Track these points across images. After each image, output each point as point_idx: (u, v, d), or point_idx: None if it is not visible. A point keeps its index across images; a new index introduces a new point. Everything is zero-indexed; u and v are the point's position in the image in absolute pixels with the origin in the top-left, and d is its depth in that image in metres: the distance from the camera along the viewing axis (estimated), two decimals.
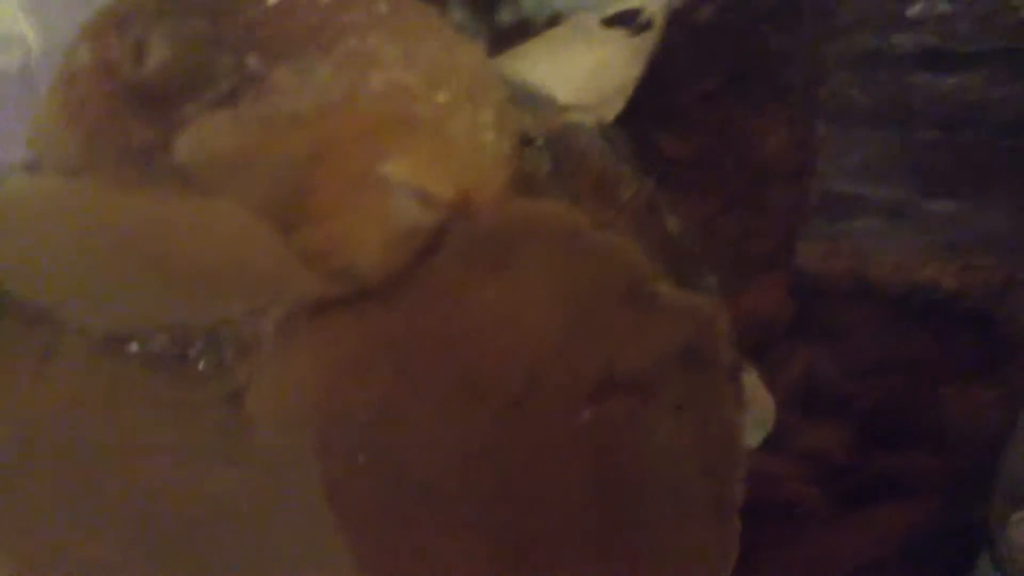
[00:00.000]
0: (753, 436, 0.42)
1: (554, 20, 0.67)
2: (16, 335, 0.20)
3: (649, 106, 0.59)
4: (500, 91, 0.19)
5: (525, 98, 0.25)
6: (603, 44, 0.61)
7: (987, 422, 0.42)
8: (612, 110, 0.60)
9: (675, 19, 0.64)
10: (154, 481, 0.21)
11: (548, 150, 0.22)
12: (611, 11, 0.64)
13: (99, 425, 0.21)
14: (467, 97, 0.19)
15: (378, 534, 0.22)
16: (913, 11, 0.50)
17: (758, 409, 0.44)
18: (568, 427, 0.21)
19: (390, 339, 0.20)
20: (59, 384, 0.20)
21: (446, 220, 0.19)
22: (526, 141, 0.21)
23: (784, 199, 0.53)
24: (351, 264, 0.19)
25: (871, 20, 0.52)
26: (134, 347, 0.20)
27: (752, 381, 0.45)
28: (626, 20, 0.64)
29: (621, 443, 0.22)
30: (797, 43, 0.62)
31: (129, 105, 0.17)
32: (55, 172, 0.18)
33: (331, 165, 0.18)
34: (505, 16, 0.67)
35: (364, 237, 0.19)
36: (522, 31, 0.64)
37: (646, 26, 0.63)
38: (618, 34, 0.62)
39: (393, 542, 0.22)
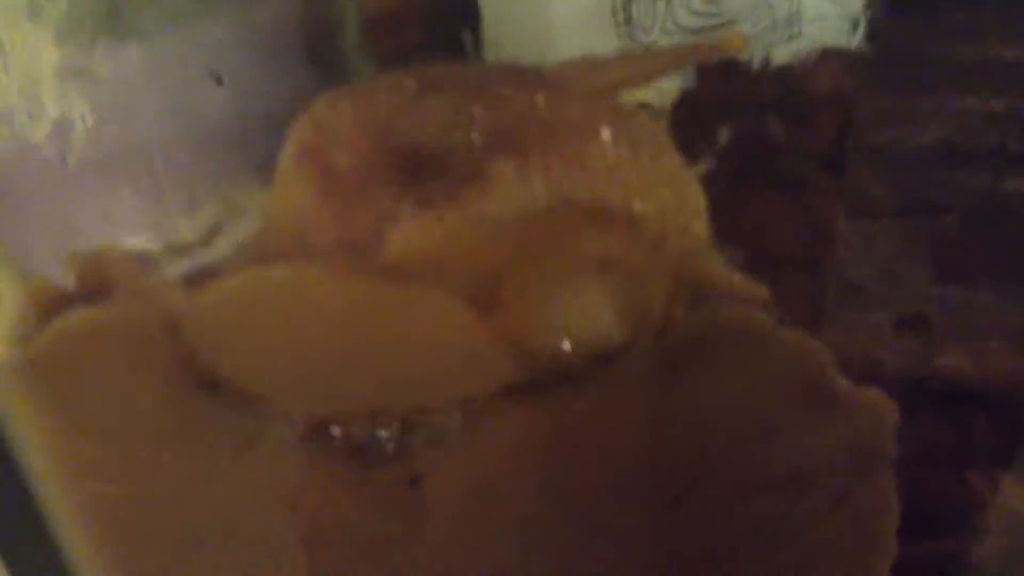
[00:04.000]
0: None
1: None
2: (222, 420, 0.20)
3: None
4: (698, 203, 0.21)
5: None
6: None
7: (1012, 506, 0.43)
8: None
9: (680, 106, 0.67)
10: (334, 563, 0.22)
11: None
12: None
13: (287, 513, 0.22)
14: (665, 211, 0.20)
15: None
16: (927, 107, 0.52)
17: None
18: (727, 521, 0.23)
19: (570, 428, 0.22)
20: (256, 471, 0.21)
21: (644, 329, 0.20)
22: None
23: (801, 287, 0.54)
24: (542, 349, 0.21)
25: (888, 115, 0.55)
26: (336, 431, 0.21)
27: None
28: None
29: (776, 535, 0.23)
30: (806, 134, 0.64)
31: (378, 173, 0.19)
32: (283, 257, 0.19)
33: (528, 263, 0.20)
34: None
35: (555, 329, 0.20)
36: None
37: (656, 116, 0.66)
38: None
39: None
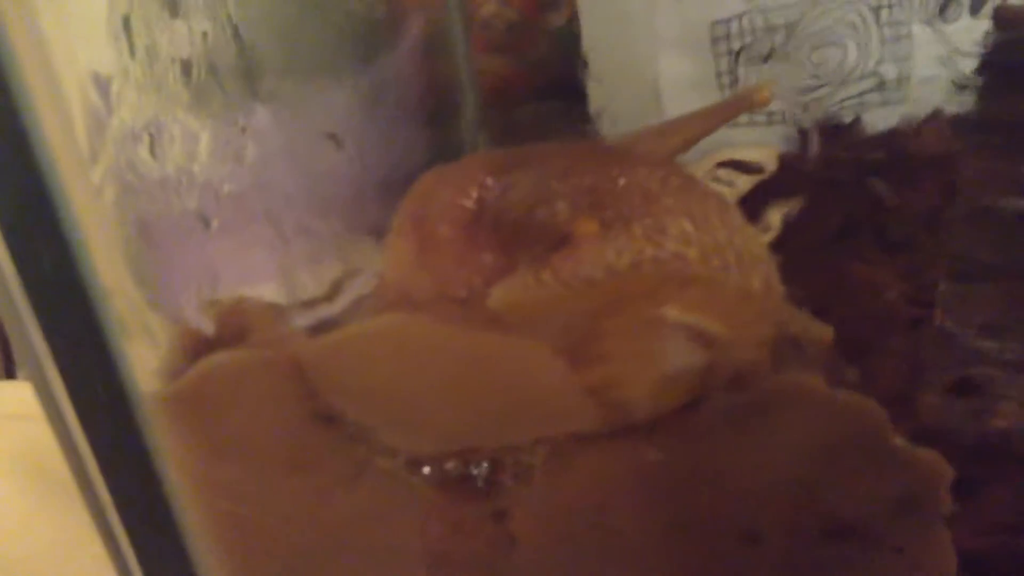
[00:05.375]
0: None
1: None
2: (337, 451, 0.24)
3: None
4: (764, 255, 0.23)
5: None
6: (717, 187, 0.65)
7: None
8: None
9: (784, 169, 0.69)
10: None
11: None
12: (723, 158, 0.68)
13: (388, 534, 0.24)
14: (739, 267, 0.23)
15: None
16: None
17: None
18: (795, 567, 0.25)
19: (647, 472, 0.24)
20: (363, 497, 0.24)
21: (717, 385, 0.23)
22: None
23: (902, 350, 0.55)
24: (627, 400, 0.23)
25: (991, 178, 0.55)
26: (427, 470, 0.23)
27: None
28: (738, 166, 0.68)
29: None
30: (912, 196, 0.65)
31: (474, 241, 0.22)
32: (393, 309, 0.22)
33: (616, 317, 0.22)
34: None
35: (641, 378, 0.23)
36: None
37: (757, 171, 0.68)
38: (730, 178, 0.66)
39: None
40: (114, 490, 0.23)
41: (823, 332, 0.24)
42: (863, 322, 0.59)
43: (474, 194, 0.22)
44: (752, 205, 0.64)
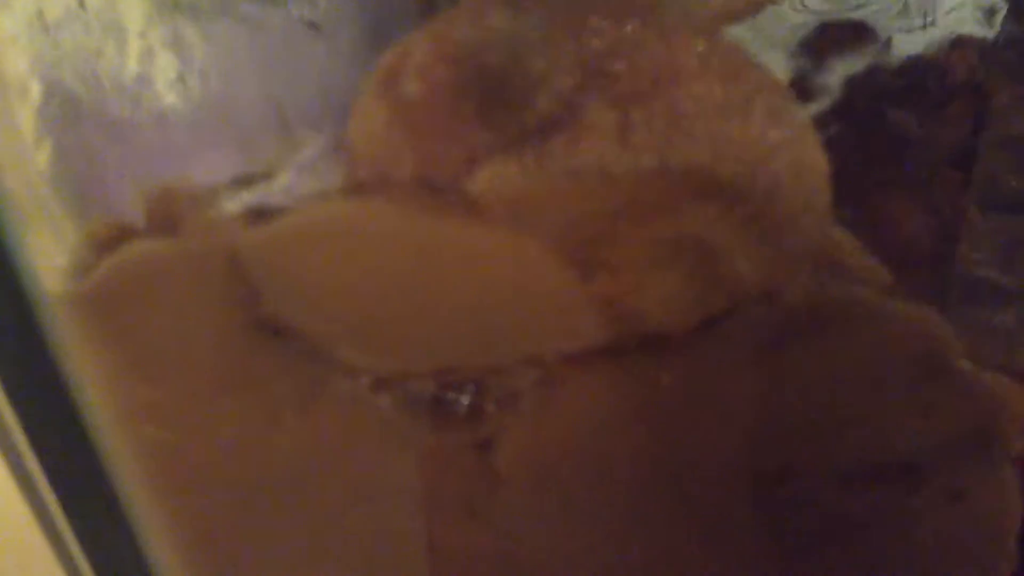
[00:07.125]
0: None
1: None
2: (286, 368, 0.19)
3: None
4: (819, 169, 0.19)
5: None
6: None
7: None
8: None
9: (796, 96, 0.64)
10: (392, 526, 0.21)
11: None
12: None
13: (350, 468, 0.21)
14: (779, 185, 0.19)
15: None
16: None
17: None
18: (834, 509, 0.21)
19: (656, 399, 0.20)
20: (319, 423, 0.20)
21: (745, 299, 0.19)
22: None
23: (924, 284, 0.52)
24: (641, 312, 0.19)
25: (1021, 107, 0.51)
26: (398, 392, 0.19)
27: None
28: None
29: (888, 529, 0.21)
30: (937, 127, 0.61)
31: (455, 107, 0.17)
32: (365, 191, 0.18)
33: (635, 222, 0.18)
34: None
35: (658, 291, 0.19)
36: None
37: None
38: None
39: None
40: (20, 409, 0.19)
41: (878, 271, 0.20)
42: (884, 258, 0.55)
43: (456, 45, 0.17)
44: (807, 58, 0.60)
